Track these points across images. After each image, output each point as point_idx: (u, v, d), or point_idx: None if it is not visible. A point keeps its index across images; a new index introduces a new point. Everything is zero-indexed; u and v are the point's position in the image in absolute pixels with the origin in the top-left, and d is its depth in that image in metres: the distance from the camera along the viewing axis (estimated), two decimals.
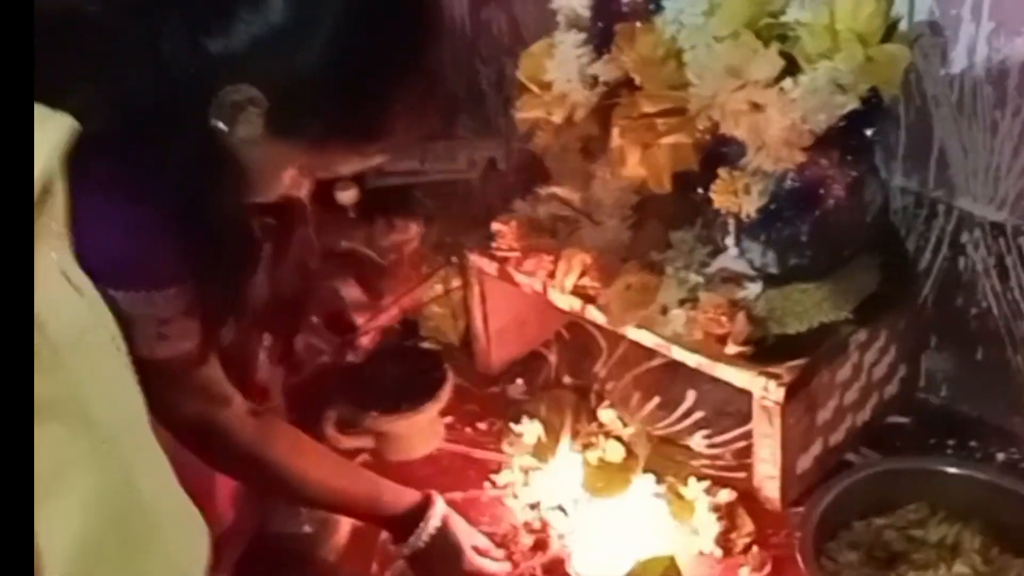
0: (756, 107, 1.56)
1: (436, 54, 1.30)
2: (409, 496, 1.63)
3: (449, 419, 1.97)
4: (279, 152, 1.27)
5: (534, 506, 1.80)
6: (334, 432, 1.87)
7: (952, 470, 1.68)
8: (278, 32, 1.20)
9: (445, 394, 1.91)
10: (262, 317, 1.47)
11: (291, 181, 1.32)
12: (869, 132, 1.63)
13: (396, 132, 1.29)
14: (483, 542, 1.68)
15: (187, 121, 1.20)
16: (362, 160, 1.33)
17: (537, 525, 1.77)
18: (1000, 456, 1.83)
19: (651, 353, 1.90)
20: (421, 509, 1.63)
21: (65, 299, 0.91)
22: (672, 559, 1.61)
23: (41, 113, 0.79)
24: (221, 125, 1.22)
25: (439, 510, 1.64)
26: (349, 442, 1.88)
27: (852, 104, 1.56)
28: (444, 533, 1.63)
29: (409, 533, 1.62)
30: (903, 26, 1.64)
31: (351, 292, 1.84)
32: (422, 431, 1.92)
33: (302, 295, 1.57)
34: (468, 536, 1.67)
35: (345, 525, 1.75)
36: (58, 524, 0.90)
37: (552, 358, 2.08)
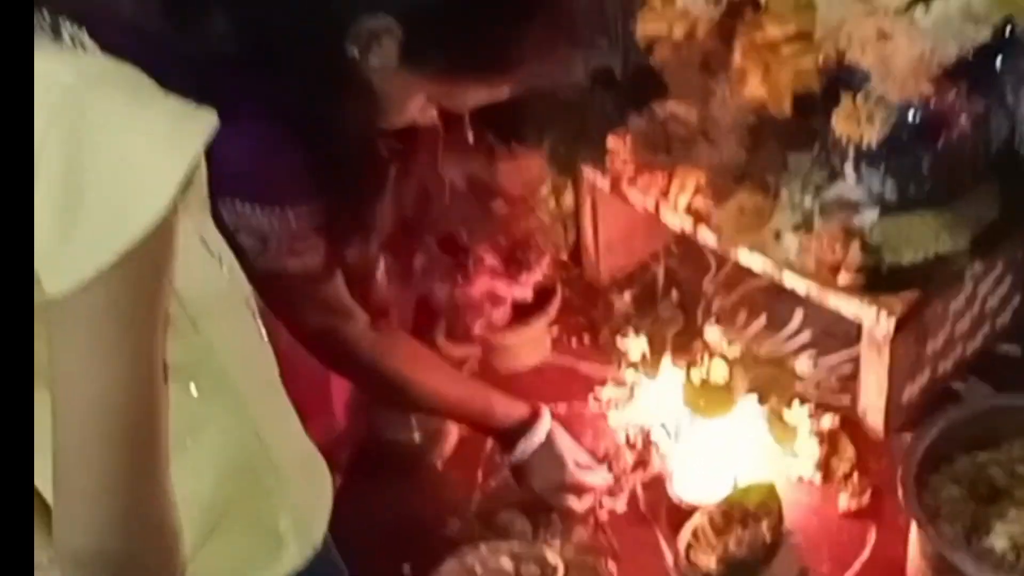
0: (884, 35, 1.52)
1: None
2: (518, 408, 1.66)
3: (555, 331, 1.99)
4: (409, 81, 1.28)
5: (636, 423, 1.82)
6: (444, 340, 1.91)
7: None
8: None
9: (553, 308, 1.93)
10: (384, 236, 1.50)
11: (419, 109, 1.33)
12: (999, 63, 1.58)
13: (524, 66, 1.29)
14: (585, 458, 1.71)
15: (323, 46, 1.22)
16: (489, 92, 1.34)
17: (639, 442, 1.79)
18: None
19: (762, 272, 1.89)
20: (528, 422, 1.66)
21: (202, 266, 0.93)
22: (772, 487, 1.62)
23: (187, 110, 0.81)
24: (356, 51, 1.23)
25: (545, 424, 1.67)
26: (458, 350, 1.92)
27: (984, 35, 1.51)
28: (549, 446, 1.67)
29: (515, 444, 1.65)
30: None
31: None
32: (529, 343, 1.95)
33: (422, 216, 1.59)
34: (571, 451, 1.70)
35: (452, 434, 1.79)
36: (192, 478, 0.93)
37: (660, 272, 2.08)
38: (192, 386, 0.92)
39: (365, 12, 1.21)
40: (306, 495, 1.06)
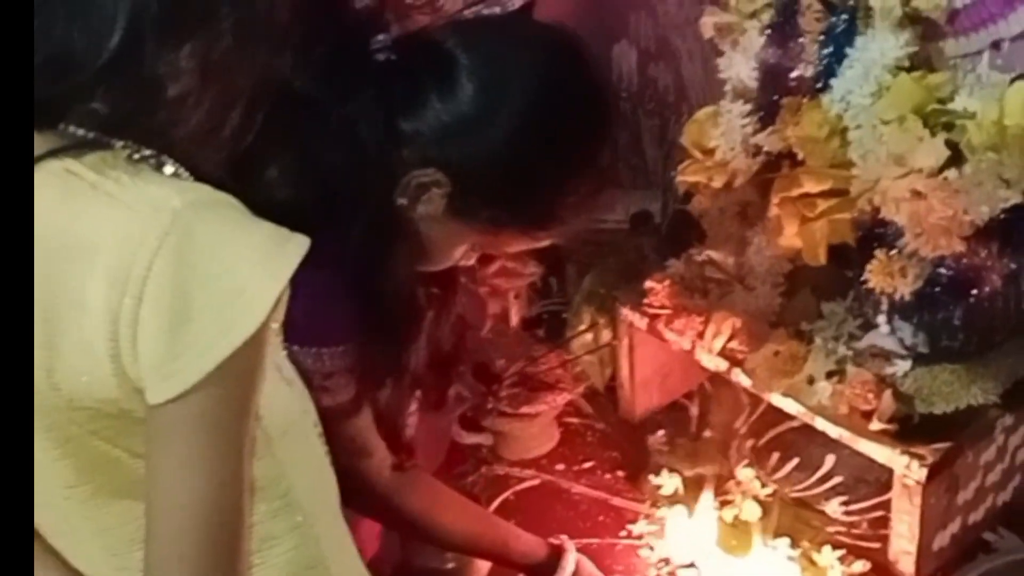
0: (918, 195, 1.58)
1: (611, 150, 1.36)
2: (542, 546, 1.67)
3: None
4: (455, 230, 1.34)
5: (667, 560, 1.84)
6: (457, 428, 1.98)
7: None
8: (466, 120, 1.28)
9: (561, 399, 2.00)
10: (418, 377, 1.53)
11: (462, 255, 1.39)
12: None
13: (567, 220, 1.35)
14: None
15: (374, 195, 1.28)
16: (532, 242, 1.40)
17: None
18: None
19: (794, 415, 1.93)
20: (555, 558, 1.66)
21: (277, 392, 0.98)
22: None
23: (282, 232, 0.87)
24: (404, 201, 1.29)
25: (571, 559, 1.67)
26: (470, 438, 2.00)
27: (1016, 198, 1.57)
28: None
29: None
30: None
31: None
32: (537, 433, 2.02)
33: (458, 349, 1.64)
34: None
35: (484, 564, 1.82)
36: None
37: (694, 411, 2.12)
38: (263, 505, 0.96)
39: (415, 165, 1.28)
40: None
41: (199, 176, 0.90)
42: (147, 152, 0.88)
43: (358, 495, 1.45)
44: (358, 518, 1.65)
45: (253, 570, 0.97)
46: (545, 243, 1.40)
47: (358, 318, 1.32)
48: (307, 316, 1.27)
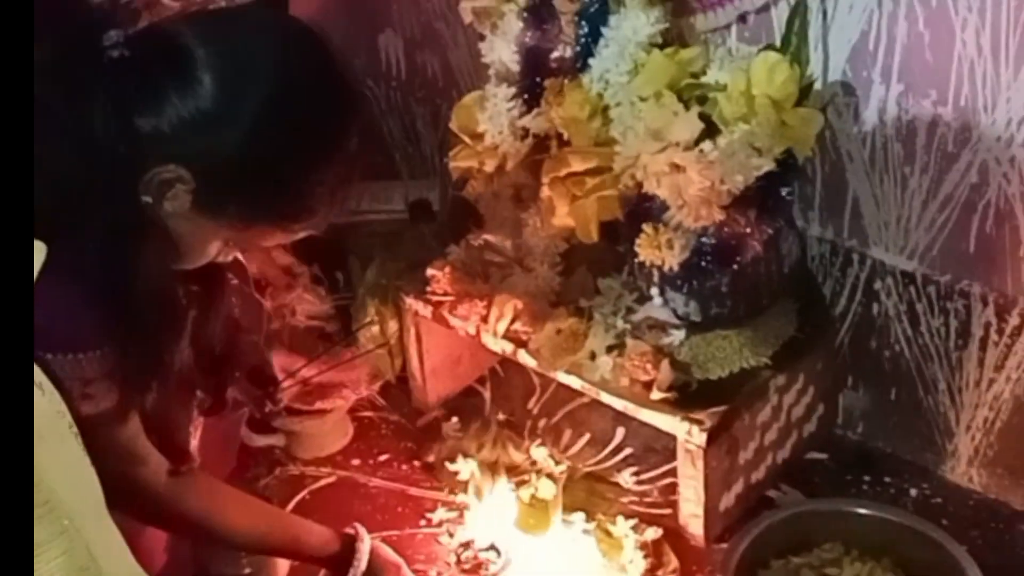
0: (677, 168, 1.63)
1: (357, 138, 1.36)
2: (335, 537, 1.65)
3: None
4: (205, 226, 1.32)
5: (467, 544, 1.85)
6: (247, 431, 1.94)
7: (864, 511, 1.75)
8: (206, 115, 1.26)
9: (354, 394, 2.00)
10: (187, 379, 1.50)
11: (217, 252, 1.36)
12: (785, 191, 1.70)
13: (319, 211, 1.34)
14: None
15: (116, 194, 1.25)
16: (286, 235, 1.38)
17: (470, 564, 1.82)
18: (913, 491, 1.91)
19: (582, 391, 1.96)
20: (349, 547, 1.65)
21: None
22: None
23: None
24: (149, 200, 1.27)
25: (365, 546, 1.65)
26: (262, 440, 1.96)
27: (768, 166, 1.63)
28: (377, 558, 1.67)
29: (345, 571, 1.64)
30: (817, 86, 1.72)
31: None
32: (330, 430, 2.01)
33: (230, 352, 1.61)
34: (397, 565, 1.71)
35: (284, 566, 1.80)
36: None
37: (486, 395, 2.14)
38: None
39: (157, 162, 1.25)
40: None
41: None
42: None
43: (135, 501, 1.42)
44: (140, 528, 1.61)
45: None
46: (301, 235, 1.39)
47: (111, 320, 1.28)
48: (56, 321, 1.23)
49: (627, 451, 2.01)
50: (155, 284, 1.30)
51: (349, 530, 1.67)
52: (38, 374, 0.99)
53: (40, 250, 0.86)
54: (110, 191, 1.24)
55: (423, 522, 1.91)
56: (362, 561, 1.64)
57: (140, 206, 1.26)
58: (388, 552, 1.71)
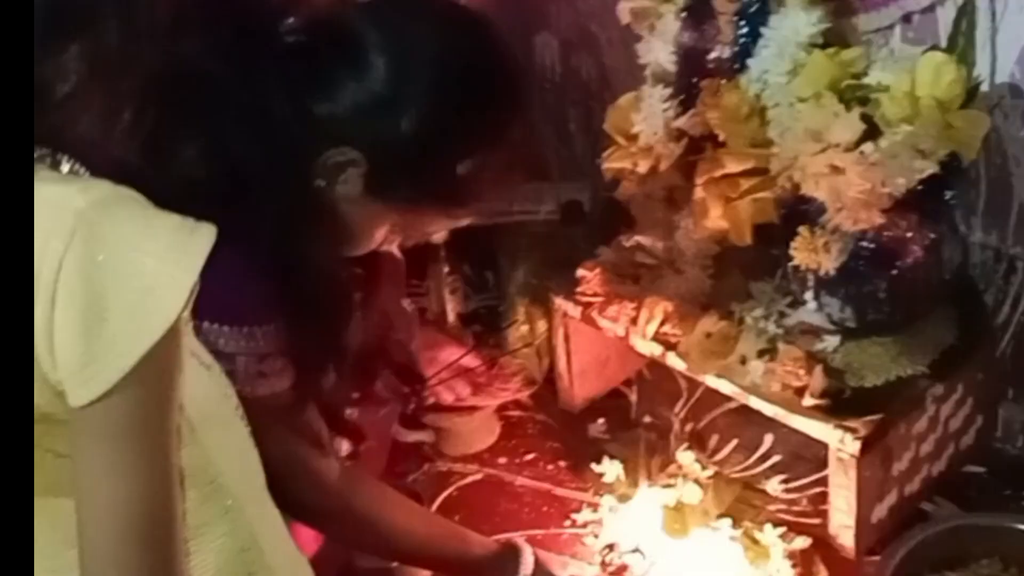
0: (836, 170, 1.60)
1: (526, 125, 1.37)
2: (495, 544, 1.63)
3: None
4: (374, 210, 1.35)
5: (612, 546, 1.85)
6: (398, 427, 1.97)
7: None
8: (379, 99, 1.29)
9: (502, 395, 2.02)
10: (354, 364, 1.53)
11: (383, 238, 1.39)
12: (947, 195, 1.65)
13: (485, 197, 1.36)
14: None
15: (291, 176, 1.29)
16: (451, 221, 1.40)
17: (614, 567, 1.81)
18: None
19: (730, 396, 1.94)
20: (513, 554, 1.61)
21: (197, 378, 0.98)
22: None
23: (188, 223, 0.87)
24: (322, 183, 1.30)
25: (528, 551, 1.63)
26: (412, 436, 1.99)
27: (931, 169, 1.59)
28: (541, 570, 1.63)
29: None
30: (984, 87, 1.67)
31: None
32: (478, 428, 2.03)
33: (381, 344, 1.63)
34: (562, 567, 1.69)
35: None
36: None
37: (633, 398, 2.13)
38: (193, 492, 0.96)
39: (331, 145, 1.28)
40: None
41: (97, 171, 0.89)
42: (42, 151, 0.87)
43: (306, 493, 1.40)
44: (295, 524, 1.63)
45: (187, 557, 0.97)
46: (463, 222, 1.41)
47: (284, 297, 1.31)
48: (229, 293, 1.26)
49: (775, 458, 1.98)
50: (326, 265, 1.33)
51: (501, 538, 1.65)
52: (206, 355, 1.02)
53: (209, 234, 0.89)
54: (285, 172, 1.27)
55: (568, 522, 1.91)
56: (527, 568, 1.60)
57: (313, 188, 1.29)
58: (547, 557, 1.70)
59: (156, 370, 0.84)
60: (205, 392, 1.00)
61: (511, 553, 1.62)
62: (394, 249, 1.56)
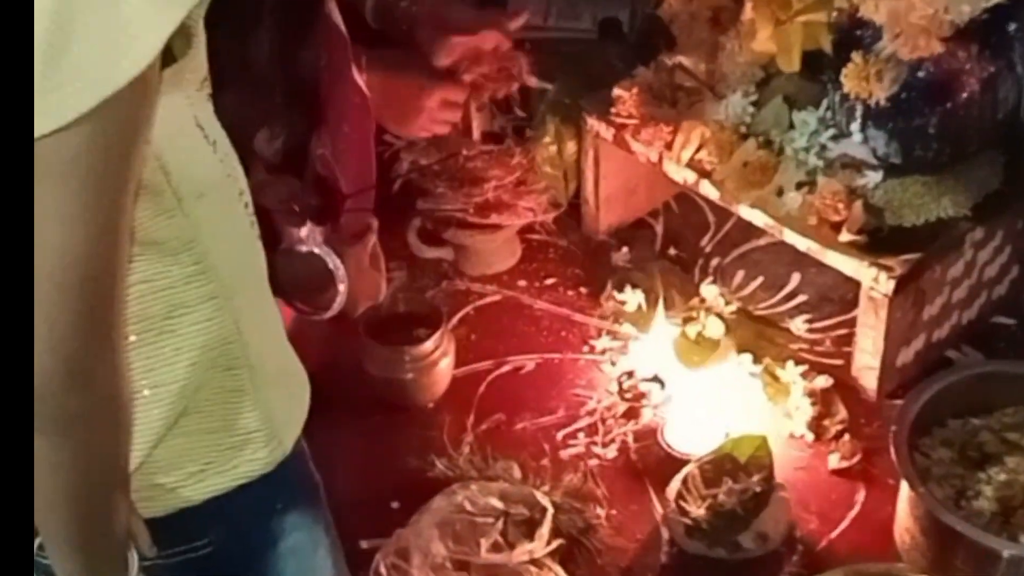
0: None
1: None
2: None
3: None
4: None
5: (630, 374, 1.82)
6: (416, 241, 1.94)
7: None
8: None
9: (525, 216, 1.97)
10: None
11: None
12: (1012, 27, 1.57)
13: None
14: None
15: None
16: None
17: (631, 394, 1.79)
18: None
19: (759, 232, 1.89)
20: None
21: (197, 151, 0.92)
22: (764, 439, 1.63)
23: None
24: None
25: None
26: (430, 252, 1.97)
27: None
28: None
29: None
30: None
31: None
32: (498, 248, 1.99)
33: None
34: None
35: (446, 376, 1.79)
36: (167, 364, 0.93)
37: (659, 229, 2.08)
38: (175, 267, 0.91)
39: None
40: (280, 400, 1.03)
41: None
42: None
43: None
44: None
45: (163, 337, 0.93)
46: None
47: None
48: None
49: (801, 298, 1.94)
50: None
51: None
52: (215, 129, 0.94)
53: None
54: None
55: (586, 348, 1.88)
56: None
57: None
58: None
59: (118, 118, 0.77)
60: (204, 166, 0.93)
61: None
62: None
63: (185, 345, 0.95)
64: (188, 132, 0.91)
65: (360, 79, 1.54)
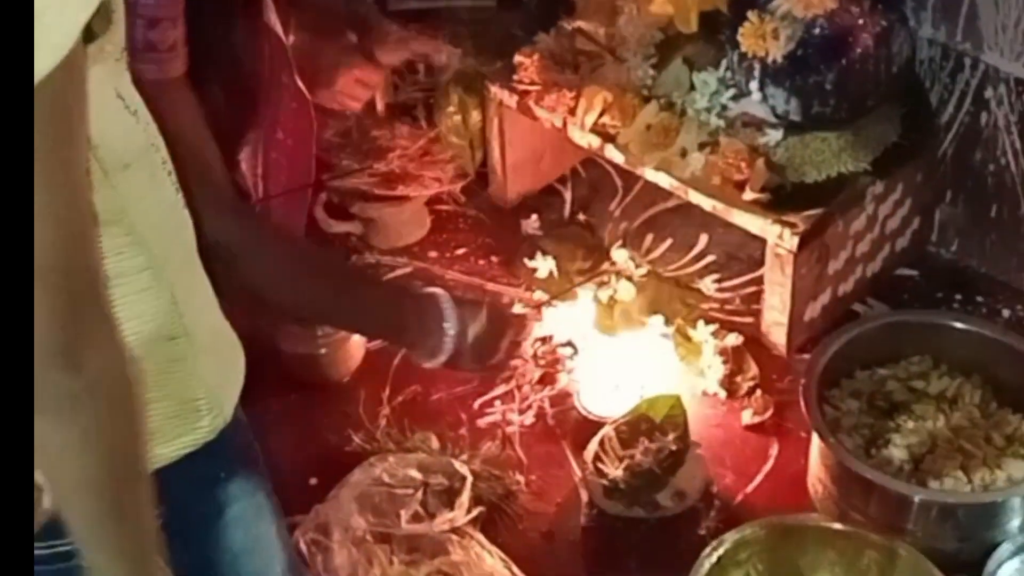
0: None
1: None
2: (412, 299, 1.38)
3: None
4: None
5: (544, 340, 1.82)
6: (324, 215, 1.92)
7: (957, 324, 1.70)
8: None
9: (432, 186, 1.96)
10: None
11: None
12: None
13: None
14: None
15: None
16: None
17: (546, 360, 1.79)
18: (1005, 312, 1.85)
19: (666, 194, 1.90)
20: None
21: (119, 122, 0.91)
22: (678, 398, 1.65)
23: None
24: None
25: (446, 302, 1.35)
26: (338, 226, 1.95)
27: None
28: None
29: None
30: None
31: None
32: (408, 220, 1.98)
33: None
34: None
35: (359, 350, 1.78)
36: None
37: (567, 195, 2.08)
38: (108, 240, 0.90)
39: None
40: (218, 367, 1.04)
41: None
42: None
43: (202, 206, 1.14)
44: None
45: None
46: None
47: None
48: None
49: (709, 258, 1.96)
50: None
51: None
52: (135, 100, 0.93)
53: None
54: None
55: None
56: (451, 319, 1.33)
57: None
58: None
59: (51, 103, 0.75)
60: (127, 137, 0.92)
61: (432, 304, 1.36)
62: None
63: (125, 315, 0.93)
64: (109, 103, 0.90)
65: (300, 82, 1.54)
